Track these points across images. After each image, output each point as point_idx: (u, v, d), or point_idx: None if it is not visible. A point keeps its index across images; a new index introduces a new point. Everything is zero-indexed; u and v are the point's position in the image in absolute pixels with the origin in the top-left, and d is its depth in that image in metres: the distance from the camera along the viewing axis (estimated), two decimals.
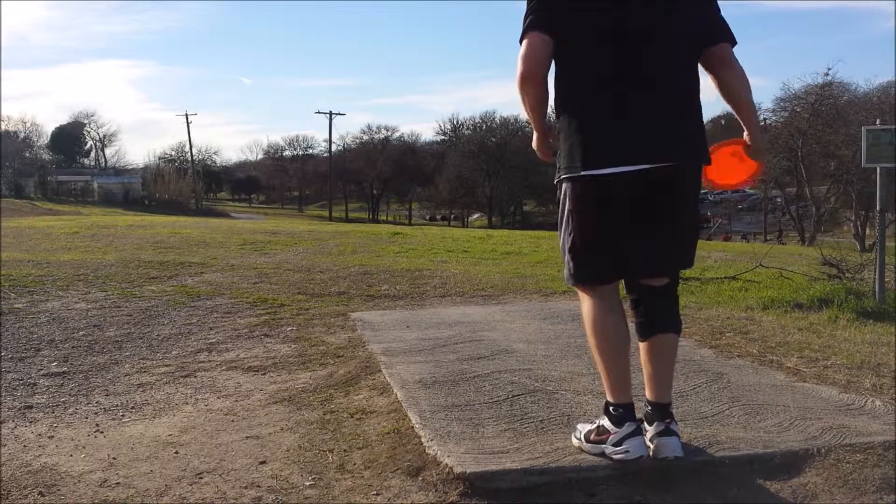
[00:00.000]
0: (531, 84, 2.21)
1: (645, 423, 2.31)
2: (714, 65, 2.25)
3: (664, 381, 2.29)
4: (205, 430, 2.83)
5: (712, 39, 2.24)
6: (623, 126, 2.16)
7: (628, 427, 2.21)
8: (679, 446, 2.23)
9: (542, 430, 2.54)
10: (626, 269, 2.30)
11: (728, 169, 2.34)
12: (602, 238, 2.23)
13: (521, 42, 2.21)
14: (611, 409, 2.27)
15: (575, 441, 2.38)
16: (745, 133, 2.34)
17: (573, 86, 2.22)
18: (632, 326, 2.35)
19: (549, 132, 2.40)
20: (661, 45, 2.18)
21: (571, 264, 2.30)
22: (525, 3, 2.24)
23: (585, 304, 2.32)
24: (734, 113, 2.35)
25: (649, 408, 2.31)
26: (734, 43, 2.26)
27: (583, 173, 2.18)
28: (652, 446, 2.24)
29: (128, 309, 5.14)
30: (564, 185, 2.28)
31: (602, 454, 2.25)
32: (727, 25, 2.27)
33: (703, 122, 2.30)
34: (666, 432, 2.23)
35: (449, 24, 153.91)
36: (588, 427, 2.35)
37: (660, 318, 2.30)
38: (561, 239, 2.35)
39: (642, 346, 2.32)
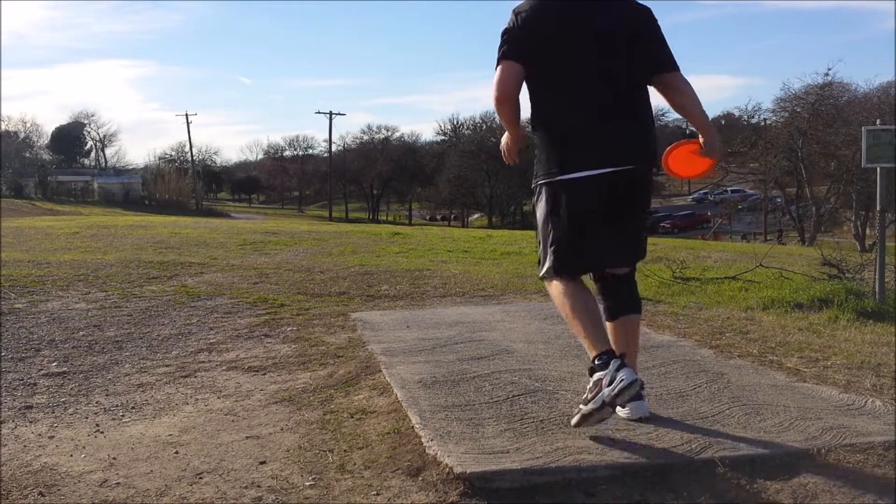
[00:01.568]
0: (506, 105, 2.58)
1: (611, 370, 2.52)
2: (668, 90, 2.66)
3: (631, 354, 2.66)
4: (205, 430, 2.83)
5: (663, 68, 2.63)
6: (592, 137, 2.55)
7: (615, 363, 2.44)
8: (648, 408, 2.66)
9: (542, 430, 2.54)
10: (599, 260, 2.66)
11: (689, 163, 2.81)
12: (580, 234, 2.57)
13: (495, 68, 2.55)
14: (596, 361, 2.50)
15: (576, 417, 2.50)
16: (700, 136, 2.71)
17: (548, 103, 2.60)
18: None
19: (522, 136, 2.75)
20: (625, 68, 2.57)
21: (553, 258, 2.61)
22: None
23: (557, 287, 2.63)
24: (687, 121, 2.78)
25: (602, 357, 2.52)
26: (679, 70, 2.65)
27: (559, 178, 2.56)
28: (618, 383, 2.39)
29: (128, 309, 5.15)
30: (543, 189, 2.62)
31: (604, 402, 2.40)
32: (673, 55, 2.66)
33: (655, 133, 2.70)
34: (637, 397, 2.54)
35: (450, 25, 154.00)
36: (586, 396, 2.52)
37: (625, 302, 2.71)
38: (540, 237, 2.67)
39: (610, 326, 2.69)
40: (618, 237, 2.61)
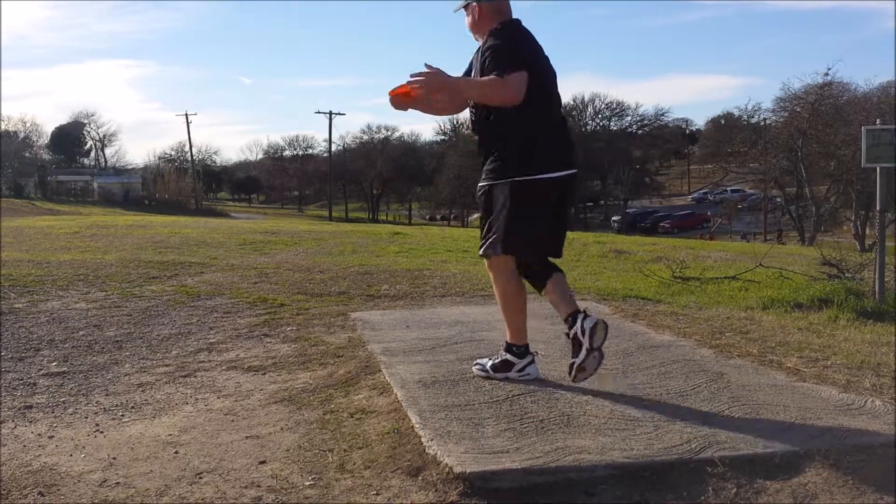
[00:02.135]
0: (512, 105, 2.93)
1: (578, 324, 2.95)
2: None
3: (567, 298, 3.05)
4: (205, 430, 2.83)
5: None
6: (554, 144, 3.04)
7: (528, 359, 3.17)
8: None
9: (542, 430, 2.54)
10: (545, 251, 3.11)
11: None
12: (537, 227, 3.01)
13: (509, 74, 2.84)
14: (514, 348, 3.17)
15: (479, 372, 3.20)
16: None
17: (523, 112, 2.93)
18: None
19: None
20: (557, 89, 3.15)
21: (504, 244, 3.01)
22: (498, 47, 2.92)
23: (501, 278, 3.14)
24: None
25: (570, 318, 2.97)
26: None
27: (527, 177, 2.96)
28: (586, 328, 2.89)
29: (128, 309, 5.14)
30: (509, 186, 2.98)
31: (507, 378, 3.12)
32: None
33: None
34: (585, 317, 2.93)
35: (449, 24, 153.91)
36: (490, 362, 3.20)
37: (546, 270, 3.11)
38: (494, 225, 3.02)
39: (547, 292, 3.09)
40: (560, 231, 3.15)
